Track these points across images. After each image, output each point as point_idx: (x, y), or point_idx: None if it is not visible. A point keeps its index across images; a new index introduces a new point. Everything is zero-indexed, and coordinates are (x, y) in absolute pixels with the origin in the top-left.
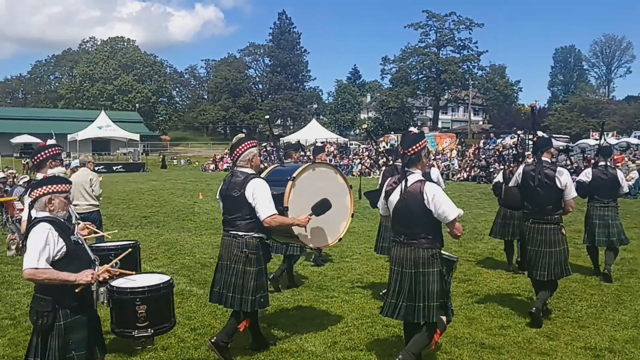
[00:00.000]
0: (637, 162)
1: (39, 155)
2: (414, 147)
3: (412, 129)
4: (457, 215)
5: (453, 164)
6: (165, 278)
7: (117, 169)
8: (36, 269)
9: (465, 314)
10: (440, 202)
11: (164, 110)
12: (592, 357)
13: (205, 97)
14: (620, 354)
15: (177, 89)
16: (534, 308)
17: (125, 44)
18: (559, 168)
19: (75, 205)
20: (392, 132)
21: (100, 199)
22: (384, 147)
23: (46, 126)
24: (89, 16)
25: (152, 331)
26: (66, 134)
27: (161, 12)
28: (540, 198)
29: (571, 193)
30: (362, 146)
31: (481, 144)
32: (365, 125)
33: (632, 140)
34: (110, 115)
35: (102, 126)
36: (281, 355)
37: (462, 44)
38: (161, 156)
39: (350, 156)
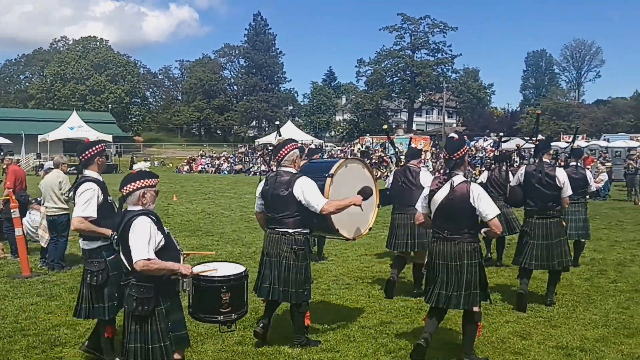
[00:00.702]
0: (606, 164)
1: (86, 152)
2: (459, 152)
3: (453, 134)
4: (496, 215)
5: (427, 166)
6: (242, 268)
7: None
8: (149, 259)
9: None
10: (483, 200)
11: (137, 111)
12: (563, 356)
13: (180, 98)
14: (591, 352)
15: (150, 90)
16: (548, 300)
17: (98, 43)
18: (557, 169)
19: (45, 207)
20: (367, 134)
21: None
22: (359, 149)
23: (16, 126)
24: (61, 15)
25: (235, 316)
26: (36, 134)
27: (135, 11)
28: (542, 195)
29: (567, 191)
30: (337, 148)
31: None
32: (385, 126)
33: (601, 143)
34: (82, 116)
35: (74, 127)
36: (258, 357)
37: (436, 47)
38: (132, 157)
39: (326, 157)
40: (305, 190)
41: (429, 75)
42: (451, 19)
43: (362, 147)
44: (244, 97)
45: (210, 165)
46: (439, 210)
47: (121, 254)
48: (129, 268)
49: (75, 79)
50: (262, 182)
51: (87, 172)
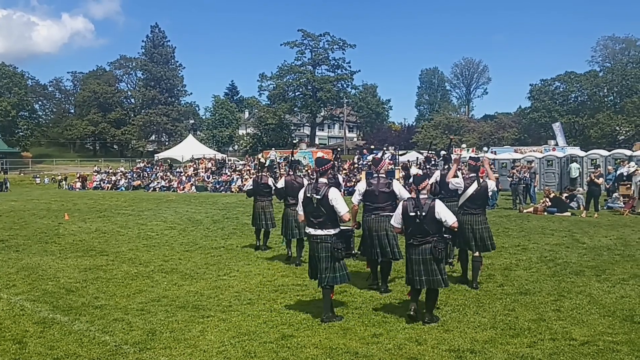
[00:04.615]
0: (494, 175)
1: (325, 166)
2: (479, 162)
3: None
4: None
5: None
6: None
7: None
8: (455, 221)
9: (341, 324)
10: (492, 188)
11: (25, 124)
12: (455, 358)
13: (72, 111)
14: (480, 353)
15: (40, 103)
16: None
17: None
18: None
19: None
20: (272, 148)
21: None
22: (261, 162)
23: None
24: None
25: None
26: None
27: (24, 21)
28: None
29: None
30: (240, 162)
31: (355, 159)
32: (389, 149)
33: (489, 155)
34: None
35: None
36: None
37: (336, 63)
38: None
39: (228, 172)
40: (401, 189)
41: (330, 91)
42: (349, 36)
43: (265, 161)
44: (142, 111)
45: (106, 181)
46: (470, 197)
47: (425, 224)
48: (431, 232)
49: None
50: (362, 183)
51: (323, 180)
